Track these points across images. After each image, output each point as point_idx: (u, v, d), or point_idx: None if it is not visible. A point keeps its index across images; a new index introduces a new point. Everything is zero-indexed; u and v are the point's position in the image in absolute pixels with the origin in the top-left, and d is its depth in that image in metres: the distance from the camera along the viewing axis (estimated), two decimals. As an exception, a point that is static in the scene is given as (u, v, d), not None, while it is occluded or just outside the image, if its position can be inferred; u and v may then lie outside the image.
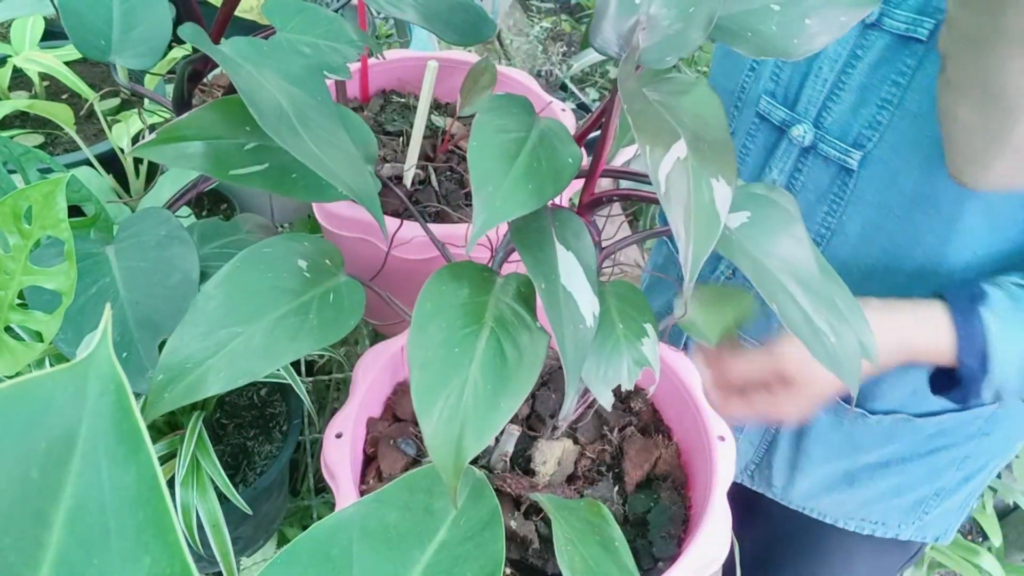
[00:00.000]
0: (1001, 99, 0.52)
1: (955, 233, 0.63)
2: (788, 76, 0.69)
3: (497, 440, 0.59)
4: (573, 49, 2.81)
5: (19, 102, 0.84)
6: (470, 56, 0.94)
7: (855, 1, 0.44)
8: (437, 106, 0.92)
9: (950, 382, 0.62)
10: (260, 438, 0.70)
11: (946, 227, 0.63)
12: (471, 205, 0.79)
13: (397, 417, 0.64)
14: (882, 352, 0.52)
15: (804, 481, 0.84)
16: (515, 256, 0.50)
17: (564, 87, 2.41)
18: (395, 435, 0.61)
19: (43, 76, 0.97)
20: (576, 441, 0.62)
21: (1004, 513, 1.65)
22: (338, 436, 0.56)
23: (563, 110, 0.86)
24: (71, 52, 0.91)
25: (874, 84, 0.62)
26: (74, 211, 0.53)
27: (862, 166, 0.64)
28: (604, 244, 0.52)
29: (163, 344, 0.43)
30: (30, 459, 0.19)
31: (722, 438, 0.59)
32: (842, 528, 0.86)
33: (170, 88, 0.57)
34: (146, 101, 0.61)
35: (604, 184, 0.51)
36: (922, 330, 0.61)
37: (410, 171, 0.76)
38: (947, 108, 0.55)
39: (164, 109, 0.61)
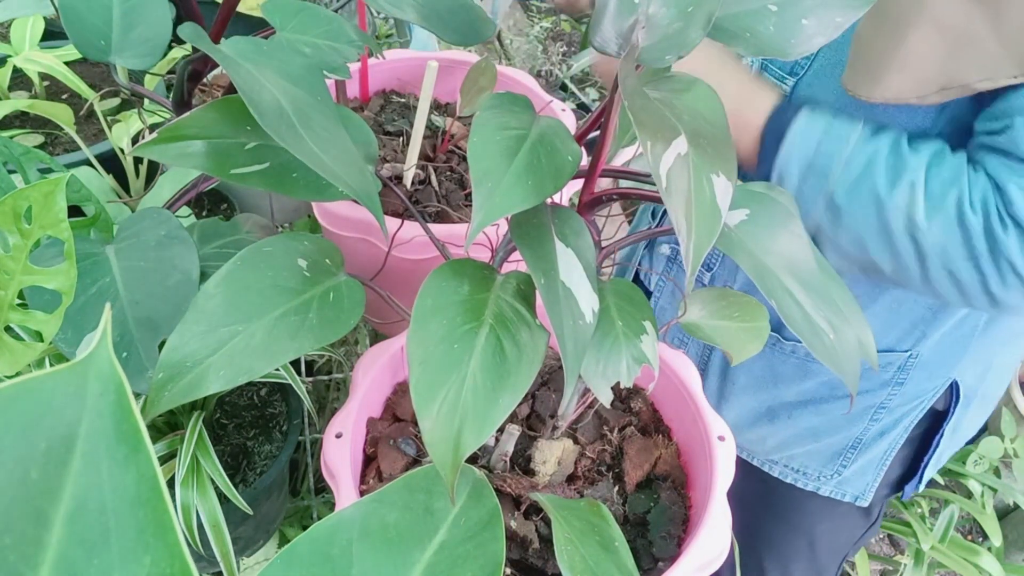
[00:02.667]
0: (891, 13, 0.59)
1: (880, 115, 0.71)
2: None
3: (497, 440, 0.59)
4: (573, 49, 2.81)
5: (19, 102, 0.84)
6: (470, 56, 0.94)
7: (850, 2, 0.44)
8: (437, 106, 0.92)
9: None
10: (260, 438, 0.70)
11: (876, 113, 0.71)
12: (471, 205, 0.79)
13: (397, 417, 0.64)
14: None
15: (730, 412, 0.90)
16: (515, 256, 0.50)
17: (564, 87, 2.41)
18: (395, 435, 0.61)
19: (43, 76, 0.97)
20: (576, 441, 0.62)
21: (1004, 513, 1.65)
22: (338, 436, 0.56)
23: (563, 110, 0.86)
24: (71, 52, 0.91)
25: None
26: (74, 211, 0.53)
27: (794, 90, 0.75)
28: (604, 243, 0.52)
29: (163, 344, 0.43)
30: (30, 459, 0.19)
31: (722, 438, 0.59)
32: (780, 480, 0.92)
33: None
34: (146, 101, 0.61)
35: (604, 184, 0.51)
36: (752, 101, 0.71)
37: (410, 171, 0.76)
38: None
39: (164, 109, 0.61)
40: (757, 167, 0.70)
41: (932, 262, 0.63)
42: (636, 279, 1.02)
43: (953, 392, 0.85)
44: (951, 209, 0.61)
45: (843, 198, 0.65)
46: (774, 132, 0.69)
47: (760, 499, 0.98)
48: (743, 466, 0.92)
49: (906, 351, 0.82)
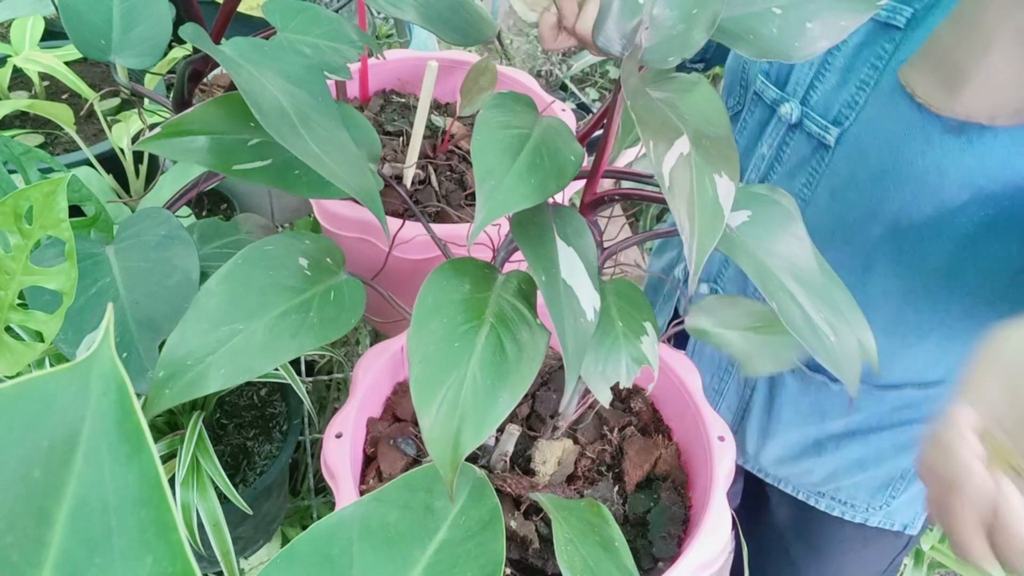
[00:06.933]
0: (977, 20, 0.54)
1: (914, 204, 0.66)
2: None
3: (497, 440, 0.59)
4: (573, 49, 2.81)
5: (19, 102, 0.84)
6: (470, 56, 0.94)
7: (855, 6, 0.44)
8: (437, 106, 0.92)
9: None
10: (260, 438, 0.70)
11: (908, 197, 0.66)
12: (471, 205, 0.80)
13: (397, 417, 0.64)
14: None
15: (775, 447, 0.87)
16: (516, 256, 0.50)
17: (564, 87, 2.41)
18: (395, 435, 0.61)
19: (43, 76, 0.97)
20: (576, 441, 0.62)
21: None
22: (338, 436, 0.56)
23: (563, 110, 0.86)
24: (71, 52, 0.91)
25: (856, 66, 0.65)
26: (74, 211, 0.53)
27: (838, 142, 0.68)
28: (606, 244, 0.52)
29: (163, 344, 0.43)
30: (33, 458, 0.19)
31: (722, 438, 0.59)
32: (825, 512, 0.88)
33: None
34: (146, 101, 0.61)
35: (606, 185, 0.51)
36: None
37: (410, 171, 0.76)
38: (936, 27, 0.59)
39: (164, 109, 0.61)
40: None
41: None
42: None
43: None
44: None
45: None
46: None
47: (797, 532, 0.94)
48: (785, 500, 0.90)
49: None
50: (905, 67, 0.61)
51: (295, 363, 0.75)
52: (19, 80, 0.99)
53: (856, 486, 0.85)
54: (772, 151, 0.75)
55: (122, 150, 0.85)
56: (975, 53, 0.55)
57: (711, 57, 0.86)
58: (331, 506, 0.69)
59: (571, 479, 0.60)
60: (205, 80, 0.76)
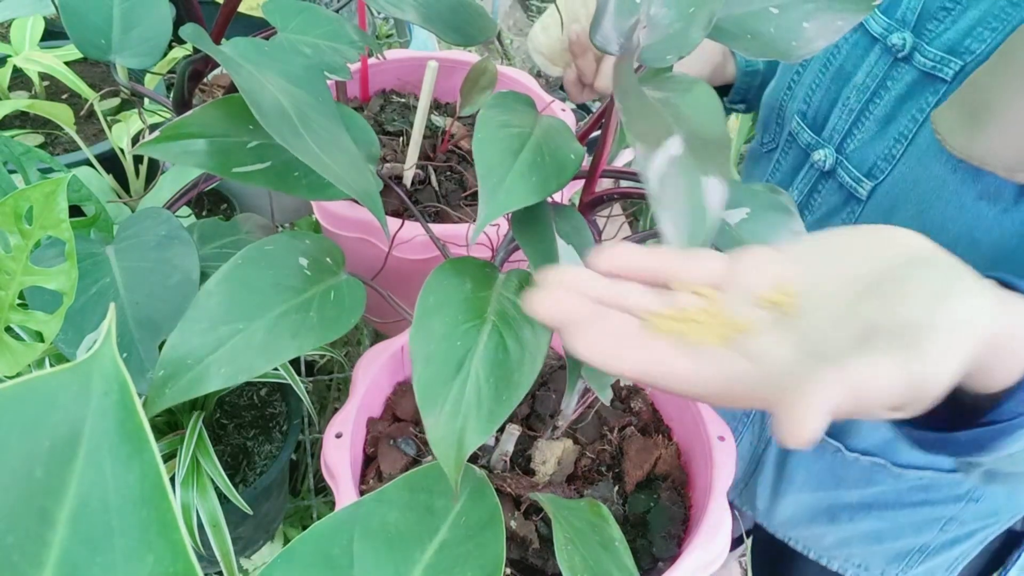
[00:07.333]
0: (1018, 65, 0.49)
1: None
2: (819, 100, 0.68)
3: (497, 440, 0.59)
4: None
5: (19, 102, 0.84)
6: (470, 56, 0.94)
7: (851, 6, 0.44)
8: (437, 106, 0.92)
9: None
10: (260, 438, 0.70)
11: None
12: (471, 205, 0.80)
13: (397, 417, 0.64)
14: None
15: (786, 508, 0.84)
16: (516, 256, 0.50)
17: (563, 87, 2.40)
18: (395, 435, 0.61)
19: (43, 76, 0.97)
20: (576, 441, 0.62)
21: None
22: (338, 436, 0.56)
23: (563, 110, 0.86)
24: (71, 52, 0.91)
25: (896, 117, 0.61)
26: (74, 211, 0.53)
27: (870, 196, 0.64)
28: (605, 243, 0.52)
29: (163, 344, 0.43)
30: (34, 458, 0.19)
31: (722, 438, 0.59)
32: (838, 573, 0.85)
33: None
34: (146, 101, 0.61)
35: (605, 184, 0.51)
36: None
37: (410, 171, 0.76)
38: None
39: (164, 109, 0.61)
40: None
41: None
42: None
43: None
44: None
45: None
46: None
47: None
48: (797, 559, 0.87)
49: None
50: (938, 108, 0.56)
51: (295, 363, 0.75)
52: (19, 80, 0.99)
53: (871, 554, 0.82)
54: (803, 197, 0.70)
55: (122, 150, 0.85)
56: (1007, 94, 0.50)
57: (752, 97, 0.82)
58: (331, 506, 0.69)
59: (571, 479, 0.60)
60: (205, 80, 0.76)
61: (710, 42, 0.76)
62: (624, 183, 0.52)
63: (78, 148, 0.84)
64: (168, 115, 0.62)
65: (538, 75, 2.44)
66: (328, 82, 0.53)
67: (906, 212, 0.61)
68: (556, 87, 2.43)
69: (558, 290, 0.31)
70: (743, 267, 0.33)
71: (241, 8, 0.53)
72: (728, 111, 0.85)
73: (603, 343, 0.30)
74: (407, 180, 0.77)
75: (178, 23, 0.53)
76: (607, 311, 0.31)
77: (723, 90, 0.82)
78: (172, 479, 0.59)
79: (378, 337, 0.94)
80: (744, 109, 0.84)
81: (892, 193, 0.62)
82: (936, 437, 0.39)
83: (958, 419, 0.38)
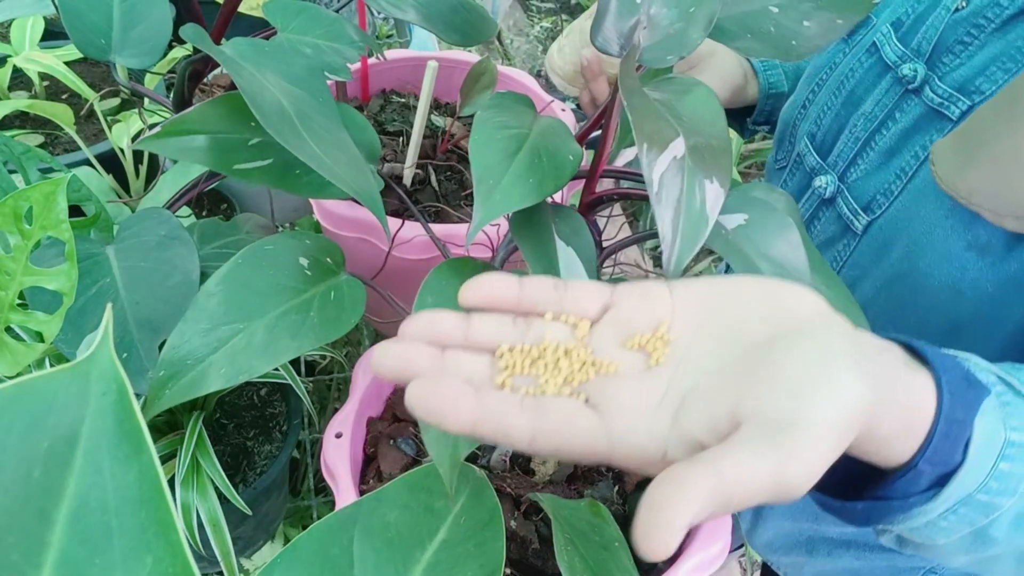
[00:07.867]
0: (1020, 104, 0.47)
1: (929, 318, 0.58)
2: (828, 123, 0.67)
3: (497, 440, 0.59)
4: None
5: (19, 102, 0.84)
6: (470, 56, 0.94)
7: (851, 4, 0.44)
8: (437, 106, 0.92)
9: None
10: (260, 438, 0.70)
11: (921, 312, 0.58)
12: (471, 205, 0.80)
13: (397, 417, 0.64)
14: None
15: (766, 531, 0.83)
16: (515, 256, 0.50)
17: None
18: (395, 435, 0.61)
19: (43, 76, 0.97)
20: (576, 441, 0.62)
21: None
22: (338, 436, 0.56)
23: (563, 110, 0.86)
24: (71, 52, 0.91)
25: (900, 151, 0.59)
26: (74, 211, 0.53)
27: (865, 231, 0.62)
28: (605, 243, 0.52)
29: (163, 345, 0.43)
30: (33, 458, 0.19)
31: (722, 438, 0.59)
32: None
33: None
34: (146, 101, 0.61)
35: (605, 185, 0.51)
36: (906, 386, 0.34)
37: (410, 171, 0.76)
38: None
39: (164, 109, 0.61)
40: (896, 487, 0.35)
41: None
42: None
43: None
44: None
45: None
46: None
47: None
48: None
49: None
50: (938, 140, 0.54)
51: (295, 363, 0.75)
52: (19, 80, 0.99)
53: None
54: (804, 221, 0.68)
55: (122, 150, 0.85)
56: (1003, 130, 0.47)
57: (776, 119, 0.79)
58: (331, 506, 0.69)
59: (571, 479, 0.60)
60: (205, 80, 0.76)
61: (731, 64, 0.77)
62: (624, 183, 0.52)
63: (78, 148, 0.84)
64: (168, 115, 0.62)
65: (538, 75, 2.44)
66: (328, 82, 0.53)
67: (896, 253, 0.59)
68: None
69: (404, 342, 0.30)
70: (626, 303, 0.32)
71: (241, 8, 0.53)
72: (751, 132, 0.85)
73: (435, 398, 0.28)
74: (407, 180, 0.77)
75: (178, 23, 0.53)
76: (457, 360, 0.30)
77: (747, 111, 0.81)
78: (172, 479, 0.59)
79: (378, 337, 0.94)
80: (769, 130, 0.83)
81: (886, 231, 0.60)
82: (835, 504, 0.37)
83: (855, 485, 0.36)
